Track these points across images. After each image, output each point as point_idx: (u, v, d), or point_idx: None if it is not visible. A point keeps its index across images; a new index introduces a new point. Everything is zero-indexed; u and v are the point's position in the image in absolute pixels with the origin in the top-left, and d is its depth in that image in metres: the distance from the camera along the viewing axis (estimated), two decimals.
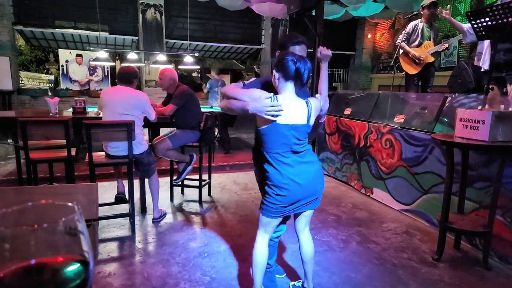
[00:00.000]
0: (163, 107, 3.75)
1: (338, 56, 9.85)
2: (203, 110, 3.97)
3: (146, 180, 3.21)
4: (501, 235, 2.48)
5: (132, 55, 6.19)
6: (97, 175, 2.97)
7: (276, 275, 2.25)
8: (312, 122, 1.76)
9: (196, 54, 7.17)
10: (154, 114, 3.16)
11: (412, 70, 4.65)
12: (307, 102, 1.74)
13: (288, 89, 1.73)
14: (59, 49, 9.21)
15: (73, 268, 0.44)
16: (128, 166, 2.90)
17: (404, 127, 3.46)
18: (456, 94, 3.26)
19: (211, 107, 6.20)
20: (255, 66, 13.25)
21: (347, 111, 4.48)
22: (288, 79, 1.71)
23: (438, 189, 2.99)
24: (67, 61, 9.03)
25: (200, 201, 3.63)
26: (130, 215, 2.90)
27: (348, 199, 3.88)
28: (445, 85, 4.44)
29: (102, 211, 3.02)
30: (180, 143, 3.57)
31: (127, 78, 3.01)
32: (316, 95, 1.88)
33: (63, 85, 9.06)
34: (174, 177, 3.65)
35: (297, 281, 2.17)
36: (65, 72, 9.07)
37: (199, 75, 12.50)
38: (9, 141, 5.30)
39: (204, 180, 3.73)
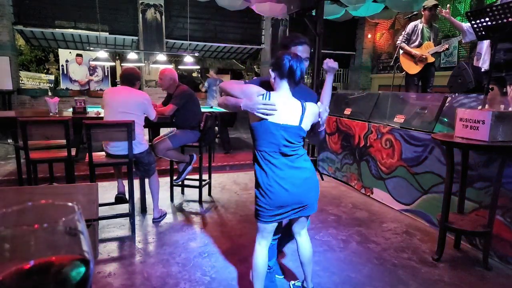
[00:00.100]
0: (163, 107, 3.75)
1: (338, 56, 9.85)
2: (203, 110, 3.97)
3: (146, 180, 3.21)
4: (501, 235, 2.48)
5: (132, 55, 6.19)
6: (97, 175, 2.98)
7: (276, 276, 2.26)
8: (305, 126, 1.71)
9: (196, 54, 7.16)
10: (154, 114, 3.18)
11: (412, 70, 4.65)
12: (302, 104, 1.70)
13: (283, 88, 1.72)
14: (59, 49, 9.21)
15: (73, 268, 0.44)
16: (128, 166, 2.90)
17: (404, 127, 3.46)
18: (456, 94, 3.26)
19: (211, 107, 6.20)
20: (255, 66, 13.25)
21: (347, 111, 4.48)
22: (283, 78, 1.70)
23: (438, 189, 2.99)
24: (67, 61, 9.03)
25: (200, 201, 3.63)
26: (130, 215, 2.90)
27: (348, 199, 3.88)
28: (445, 85, 4.43)
29: (102, 211, 3.02)
30: (180, 143, 3.58)
31: (129, 79, 3.06)
32: (318, 103, 1.87)
33: (63, 85, 9.06)
34: (174, 177, 3.65)
35: (296, 281, 2.17)
36: (65, 72, 9.06)
37: (199, 75, 12.50)
38: (9, 141, 5.31)
39: (204, 180, 3.73)
